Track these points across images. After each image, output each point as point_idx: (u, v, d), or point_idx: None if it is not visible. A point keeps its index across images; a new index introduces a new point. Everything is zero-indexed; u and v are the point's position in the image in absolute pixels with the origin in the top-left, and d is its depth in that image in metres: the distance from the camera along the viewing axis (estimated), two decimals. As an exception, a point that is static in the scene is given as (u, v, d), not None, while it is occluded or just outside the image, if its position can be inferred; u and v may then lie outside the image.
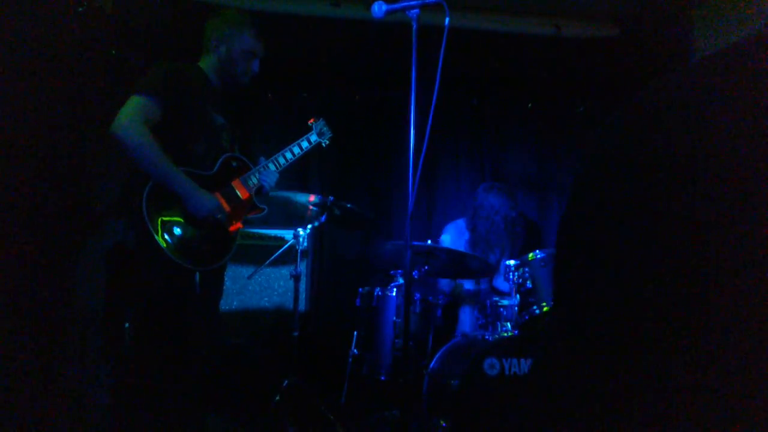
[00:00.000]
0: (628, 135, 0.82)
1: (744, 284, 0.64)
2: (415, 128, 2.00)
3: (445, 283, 3.68)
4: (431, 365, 2.86)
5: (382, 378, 2.97)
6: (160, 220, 2.06)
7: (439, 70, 1.98)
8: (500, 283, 3.79)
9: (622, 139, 0.83)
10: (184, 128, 2.21)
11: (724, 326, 0.66)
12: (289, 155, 2.53)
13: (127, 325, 2.69)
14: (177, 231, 2.10)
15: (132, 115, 2.05)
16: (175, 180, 2.08)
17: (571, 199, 0.89)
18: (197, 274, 2.18)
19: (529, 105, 4.54)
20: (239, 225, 2.33)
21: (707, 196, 0.67)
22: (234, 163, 2.36)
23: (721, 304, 0.66)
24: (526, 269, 2.87)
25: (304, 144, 2.59)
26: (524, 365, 2.52)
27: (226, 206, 2.24)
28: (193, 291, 2.19)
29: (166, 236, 2.06)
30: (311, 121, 2.67)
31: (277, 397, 2.90)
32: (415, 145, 2.05)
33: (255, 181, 2.38)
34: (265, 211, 2.42)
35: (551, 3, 3.70)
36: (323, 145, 2.68)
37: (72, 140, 2.83)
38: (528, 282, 2.83)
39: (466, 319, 3.58)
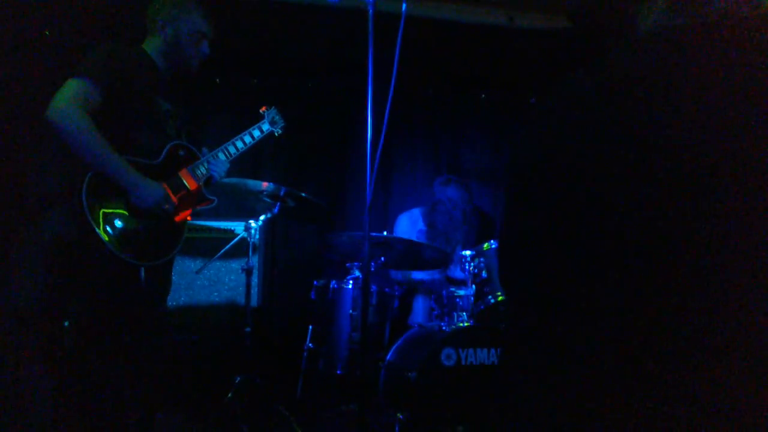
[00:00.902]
0: (558, 123, 0.83)
1: (685, 265, 0.67)
2: (372, 118, 1.95)
3: (397, 274, 3.67)
4: (387, 357, 2.84)
5: (338, 372, 2.92)
6: (102, 212, 1.94)
7: (396, 58, 1.92)
8: (455, 272, 3.81)
9: (554, 127, 0.84)
10: (127, 114, 2.08)
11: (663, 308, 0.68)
12: (240, 144, 2.43)
13: (66, 323, 2.52)
14: (120, 224, 1.98)
15: (70, 100, 1.91)
16: (117, 169, 1.96)
17: (511, 189, 0.89)
18: (142, 269, 2.06)
19: (483, 96, 4.56)
20: (187, 217, 2.22)
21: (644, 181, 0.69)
22: (181, 152, 2.24)
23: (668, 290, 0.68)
24: (482, 259, 2.88)
25: (256, 133, 2.50)
26: (481, 355, 2.53)
27: (172, 197, 2.13)
28: (138, 287, 2.07)
29: (109, 229, 1.94)
30: (263, 109, 2.58)
31: (230, 395, 2.82)
32: (372, 135, 1.99)
33: (204, 170, 2.27)
34: (215, 203, 2.32)
35: (504, -7, 3.72)
36: (276, 134, 2.60)
37: (2, 127, 2.63)
38: (483, 272, 2.84)
39: (420, 309, 3.58)
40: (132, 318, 2.09)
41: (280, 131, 2.61)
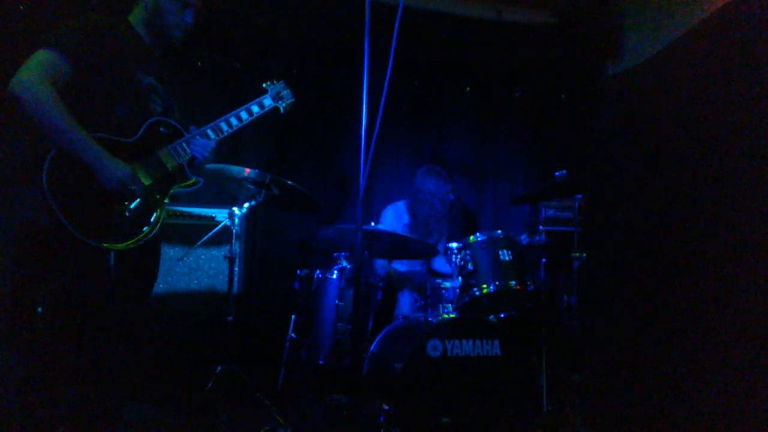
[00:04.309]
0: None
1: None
2: (367, 107, 1.93)
3: (380, 266, 3.63)
4: (371, 348, 2.81)
5: (321, 362, 2.88)
6: (64, 192, 1.80)
7: (392, 48, 1.91)
8: (439, 265, 3.79)
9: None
10: (102, 88, 1.94)
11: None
12: (234, 121, 2.23)
13: (40, 309, 2.41)
14: (84, 206, 1.85)
15: (35, 72, 1.80)
16: (81, 146, 1.83)
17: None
18: (111, 254, 1.91)
19: (468, 88, 4.54)
20: (164, 201, 2.09)
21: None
22: (163, 129, 2.08)
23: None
24: (468, 252, 2.86)
25: (255, 108, 2.29)
26: (466, 346, 2.51)
27: (146, 177, 2.01)
28: (106, 273, 1.94)
29: (71, 211, 1.80)
30: (268, 83, 2.37)
31: (210, 384, 2.75)
32: (360, 125, 1.97)
33: (186, 149, 2.11)
34: (200, 184, 2.18)
35: (494, -14, 3.70)
36: (281, 110, 2.38)
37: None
38: (469, 264, 2.82)
39: (406, 302, 3.55)
40: (102, 305, 1.96)
41: (287, 108, 2.39)
